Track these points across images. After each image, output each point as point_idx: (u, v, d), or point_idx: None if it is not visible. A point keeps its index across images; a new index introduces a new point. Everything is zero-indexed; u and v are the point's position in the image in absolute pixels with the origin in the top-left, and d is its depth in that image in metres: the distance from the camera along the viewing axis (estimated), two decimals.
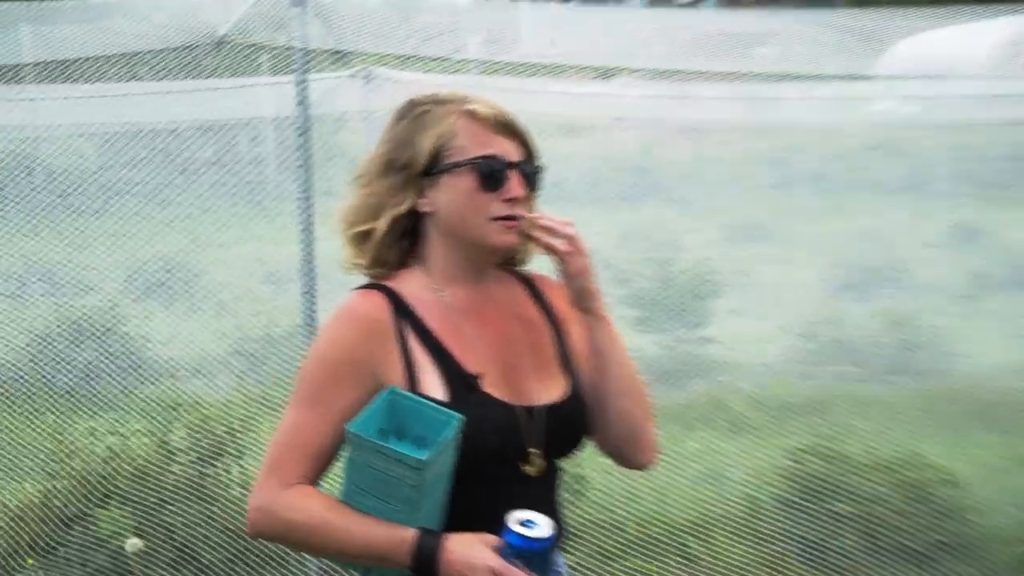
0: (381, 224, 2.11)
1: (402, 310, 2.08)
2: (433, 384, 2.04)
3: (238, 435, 5.54)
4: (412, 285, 2.13)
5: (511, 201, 2.08)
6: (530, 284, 2.24)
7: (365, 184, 2.14)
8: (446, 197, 2.10)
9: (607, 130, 7.31)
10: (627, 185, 7.24)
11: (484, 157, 2.07)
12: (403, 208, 2.11)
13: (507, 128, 2.11)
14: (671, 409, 6.51)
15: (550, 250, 2.08)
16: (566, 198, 6.76)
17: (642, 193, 7.26)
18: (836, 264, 7.10)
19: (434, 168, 2.10)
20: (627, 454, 2.19)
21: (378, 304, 2.08)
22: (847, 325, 6.85)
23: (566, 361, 2.16)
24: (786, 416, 6.45)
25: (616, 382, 2.12)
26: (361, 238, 2.14)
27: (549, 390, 2.11)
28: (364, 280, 2.22)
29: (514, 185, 2.09)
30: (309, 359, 2.06)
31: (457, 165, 2.08)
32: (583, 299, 2.12)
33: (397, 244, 2.14)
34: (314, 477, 2.06)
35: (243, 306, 6.16)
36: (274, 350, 5.86)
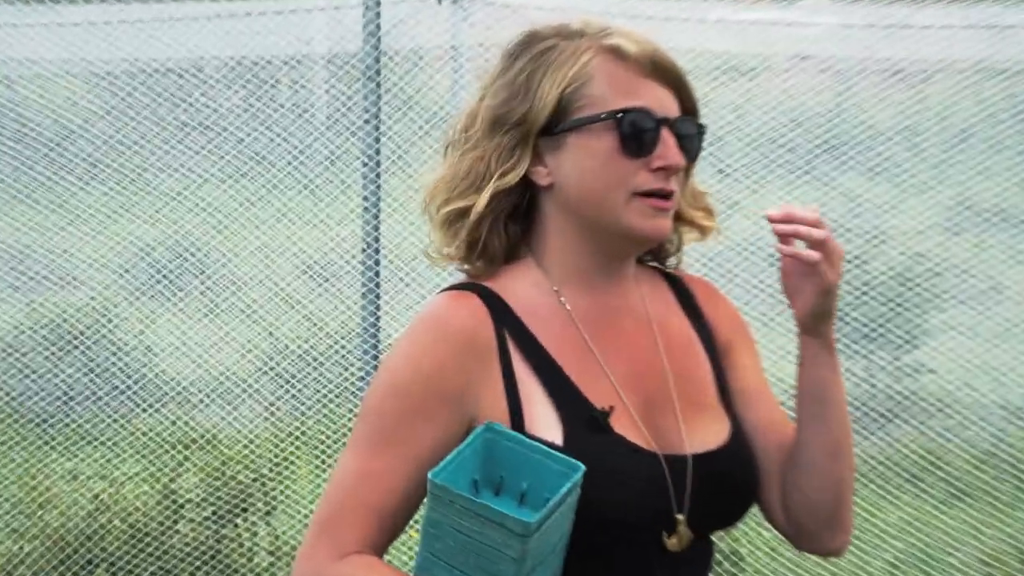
0: (482, 200, 2.14)
1: (507, 320, 2.13)
2: (546, 421, 2.09)
3: (268, 484, 5.64)
4: (522, 286, 2.17)
5: (663, 171, 2.12)
6: (682, 290, 2.28)
7: (463, 147, 2.18)
8: (573, 163, 2.14)
9: (784, 73, 7.20)
10: (810, 150, 7.13)
11: (630, 110, 2.10)
12: (513, 179, 2.14)
13: (663, 72, 2.14)
14: (865, 465, 6.49)
15: (793, 259, 2.11)
16: (724, 167, 6.63)
17: (831, 161, 7.15)
18: None
19: (559, 125, 2.13)
20: (816, 534, 2.23)
21: (475, 312, 2.13)
22: None
23: (727, 397, 2.19)
24: None
25: (832, 438, 2.15)
26: (454, 219, 2.17)
27: (703, 435, 2.15)
28: (456, 277, 2.29)
29: (669, 149, 2.12)
30: (378, 384, 2.12)
31: (591, 120, 2.11)
32: (818, 321, 2.15)
33: (503, 229, 2.18)
34: (380, 543, 2.13)
35: (278, 309, 6.18)
36: (320, 370, 5.90)
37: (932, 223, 7.11)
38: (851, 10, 6.33)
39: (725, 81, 6.68)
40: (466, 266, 2.20)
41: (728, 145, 6.57)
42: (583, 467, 1.99)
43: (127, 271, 6.27)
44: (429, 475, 1.99)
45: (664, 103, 2.13)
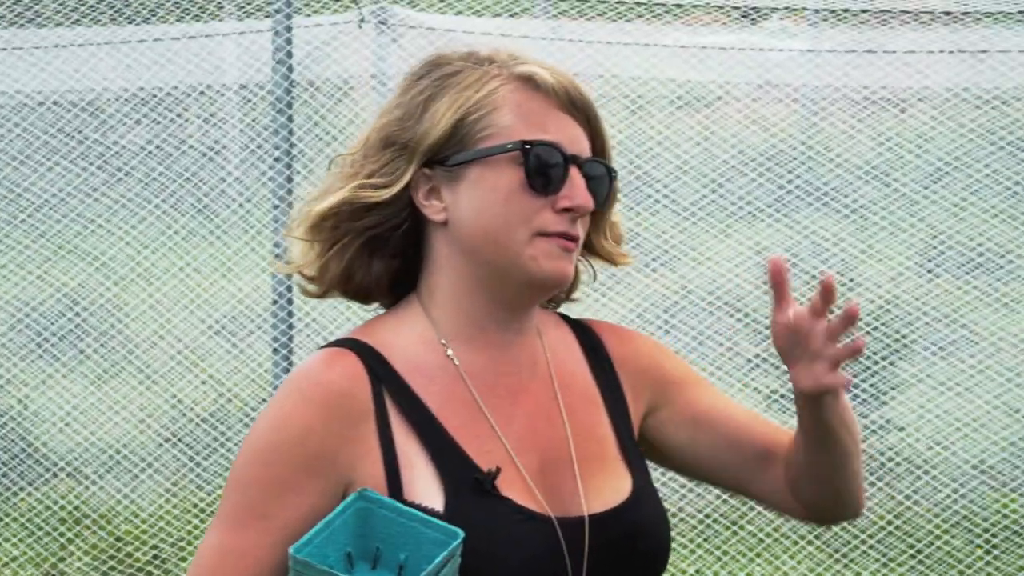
0: (330, 200, 2.08)
1: (385, 378, 2.08)
2: (426, 486, 2.04)
3: (169, 564, 5.35)
4: (405, 340, 2.12)
5: (569, 212, 2.07)
6: (591, 339, 2.24)
7: (343, 166, 2.14)
8: (471, 198, 2.08)
9: (748, 101, 6.70)
10: (775, 187, 6.83)
11: (539, 143, 2.05)
12: (381, 196, 2.08)
13: (577, 107, 2.10)
14: (831, 534, 6.35)
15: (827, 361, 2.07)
16: (679, 204, 6.33)
17: (798, 199, 6.83)
18: None
19: (458, 154, 2.08)
20: (831, 510, 2.26)
21: (349, 370, 2.08)
22: None
23: (628, 451, 2.17)
24: (1017, 550, 6.23)
25: (840, 453, 2.17)
26: (305, 219, 2.12)
27: (602, 494, 2.11)
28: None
29: (578, 190, 2.07)
30: (243, 452, 2.08)
31: (495, 151, 2.06)
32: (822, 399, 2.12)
33: (361, 258, 2.12)
34: None
35: (180, 372, 5.53)
36: (229, 436, 5.58)
37: (908, 267, 6.66)
38: (819, 34, 5.82)
39: (678, 111, 6.16)
40: (308, 284, 2.14)
41: (685, 182, 6.06)
42: (461, 533, 1.96)
43: (12, 329, 6.02)
44: (290, 550, 1.94)
45: (576, 141, 2.10)
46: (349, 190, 2.08)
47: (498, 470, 2.04)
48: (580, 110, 2.09)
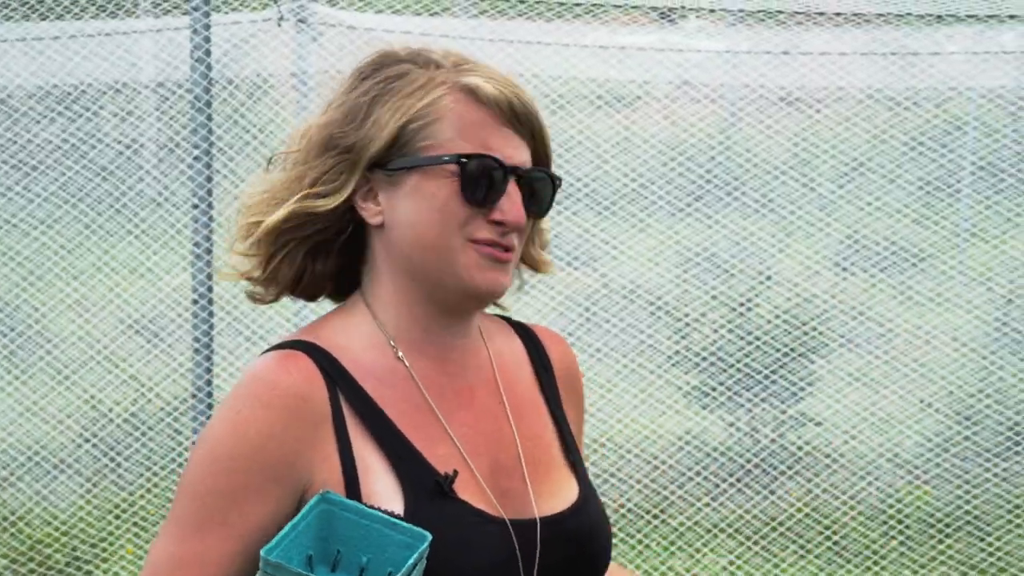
0: (278, 213, 2.06)
1: (341, 381, 2.05)
2: (386, 490, 2.02)
3: (87, 566, 5.20)
4: (356, 342, 2.10)
5: (500, 226, 2.07)
6: (534, 344, 2.26)
7: (285, 164, 2.10)
8: (408, 205, 2.07)
9: (666, 101, 6.66)
10: (693, 186, 6.86)
11: (477, 156, 2.04)
12: (327, 204, 2.06)
13: (520, 120, 2.08)
14: (748, 524, 6.30)
15: None
16: (600, 204, 6.27)
17: (716, 198, 6.87)
18: (1016, 311, 6.71)
19: (397, 160, 2.06)
20: None
21: (305, 373, 2.04)
22: None
23: (572, 455, 2.19)
24: (930, 541, 6.21)
25: None
26: (251, 232, 2.10)
27: (552, 498, 2.13)
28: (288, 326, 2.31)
29: (512, 205, 2.07)
30: (197, 458, 2.04)
31: (433, 161, 2.05)
32: None
33: (308, 261, 2.10)
34: None
35: (99, 371, 5.41)
36: (146, 438, 5.45)
37: (823, 263, 6.66)
38: (737, 35, 5.77)
39: (599, 111, 6.11)
40: (257, 288, 2.12)
41: (605, 181, 6.01)
42: (429, 536, 1.95)
43: None
44: (262, 552, 1.91)
45: (516, 153, 2.08)
46: (296, 203, 2.04)
47: (455, 473, 2.03)
48: (523, 123, 2.07)
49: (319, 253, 2.09)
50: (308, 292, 2.13)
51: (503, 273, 2.06)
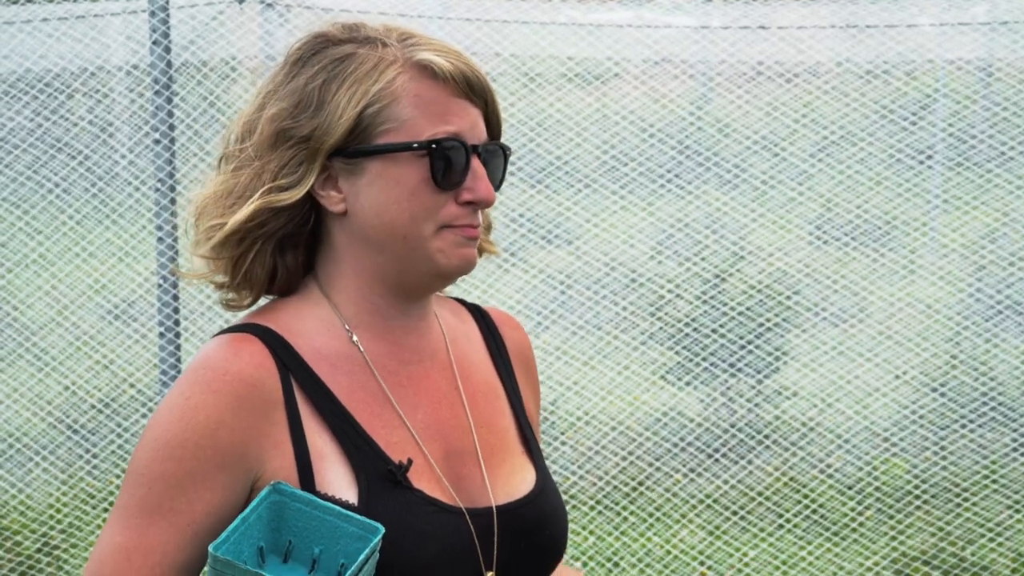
0: (243, 212, 1.99)
1: (293, 366, 2.00)
2: (338, 479, 1.97)
3: (61, 552, 5.14)
4: (309, 326, 2.04)
5: (472, 205, 2.03)
6: (489, 327, 2.21)
7: (238, 160, 2.03)
8: (374, 192, 2.01)
9: (640, 78, 6.53)
10: (668, 160, 6.78)
11: (443, 139, 2.00)
12: (290, 197, 2.00)
13: (474, 91, 2.04)
14: (725, 497, 6.29)
15: None
16: (576, 178, 6.18)
17: (690, 171, 6.79)
18: (988, 278, 6.66)
19: (358, 147, 2.00)
20: None
21: (257, 358, 1.99)
22: (1002, 372, 6.48)
23: (529, 441, 2.15)
24: (905, 511, 6.21)
25: None
26: (214, 234, 2.03)
27: (508, 486, 2.10)
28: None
29: (480, 182, 2.04)
30: (145, 444, 1.98)
31: (400, 148, 1.99)
32: None
33: (274, 253, 2.04)
34: None
35: (72, 356, 5.39)
36: (119, 422, 5.34)
37: (799, 236, 6.61)
38: (709, 10, 5.65)
39: (573, 88, 5.99)
40: (230, 294, 2.06)
41: (582, 156, 5.90)
42: (382, 528, 1.91)
43: None
44: (210, 548, 1.87)
45: (475, 127, 2.04)
46: (259, 199, 1.98)
47: (410, 462, 1.98)
48: (478, 94, 2.02)
49: (287, 247, 2.03)
50: (283, 287, 2.06)
51: (472, 248, 2.02)
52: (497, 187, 2.06)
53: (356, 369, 2.02)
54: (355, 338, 2.02)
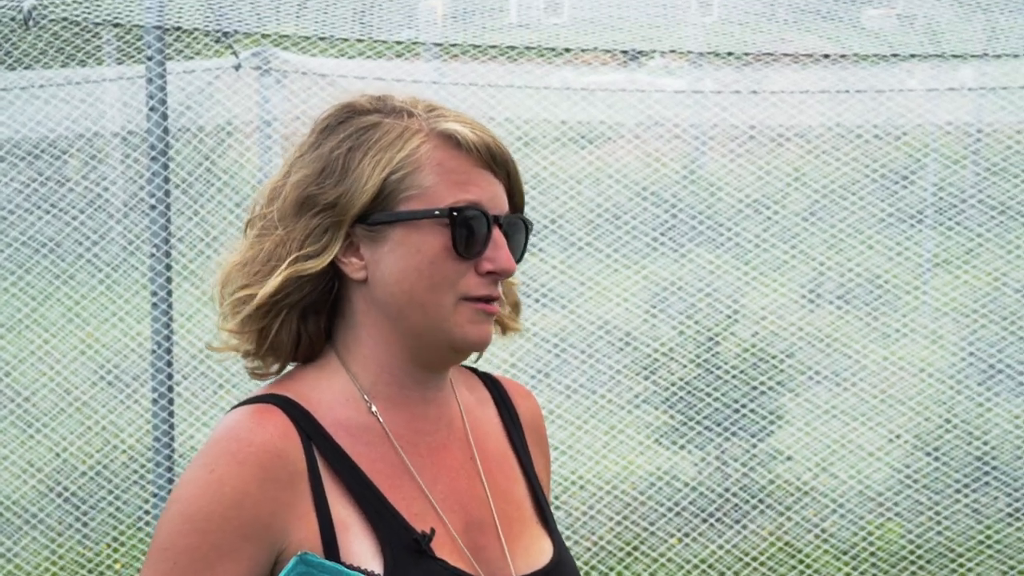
0: (272, 283, 1.99)
1: (316, 437, 1.99)
2: (363, 550, 1.96)
3: None
4: (329, 396, 2.04)
5: (492, 275, 2.03)
6: (502, 397, 2.21)
7: (263, 227, 2.03)
8: (395, 259, 2.01)
9: (634, 140, 6.55)
10: (660, 222, 6.79)
11: (465, 207, 2.00)
12: (316, 265, 2.00)
13: (497, 164, 2.05)
14: (720, 562, 6.18)
15: None
16: (569, 241, 6.15)
17: (683, 234, 6.77)
18: (982, 340, 6.61)
19: (381, 214, 2.00)
20: None
21: (280, 429, 1.98)
22: (996, 436, 6.40)
23: (544, 513, 2.15)
24: (901, 574, 6.12)
25: None
26: (242, 307, 2.02)
27: (527, 556, 2.09)
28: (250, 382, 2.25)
29: (501, 252, 2.03)
30: (170, 517, 1.96)
31: (423, 215, 1.99)
32: None
33: (300, 321, 2.02)
34: None
35: (63, 422, 5.32)
36: (112, 490, 5.28)
37: (792, 299, 6.57)
38: (701, 75, 5.66)
39: (566, 150, 5.99)
40: (256, 362, 2.05)
41: (575, 220, 5.88)
42: None
43: None
44: None
45: (496, 198, 2.04)
46: (287, 269, 1.98)
47: (433, 532, 1.97)
48: (500, 165, 2.03)
49: (309, 314, 2.01)
50: (306, 354, 2.05)
51: (490, 324, 2.02)
52: (518, 259, 2.05)
53: (376, 440, 2.01)
54: (374, 408, 2.02)
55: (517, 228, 2.05)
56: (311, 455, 1.96)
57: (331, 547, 1.94)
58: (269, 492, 1.92)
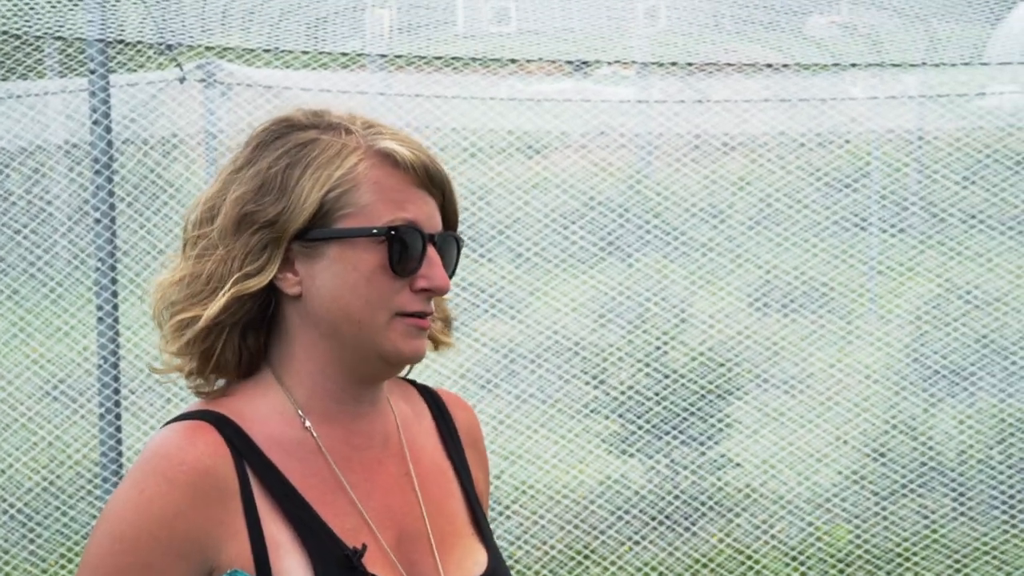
0: (216, 305, 1.99)
1: (248, 453, 1.99)
2: (294, 566, 1.95)
3: None
4: (263, 411, 2.04)
5: (426, 292, 2.04)
6: (440, 408, 2.21)
7: (202, 246, 2.02)
8: (330, 276, 2.01)
9: (580, 149, 6.52)
10: (608, 231, 6.79)
11: (401, 226, 2.01)
12: (257, 283, 2.00)
13: (433, 182, 2.06)
14: (670, 568, 6.16)
15: None
16: (518, 250, 6.15)
17: (632, 242, 6.80)
18: (926, 344, 6.64)
19: (317, 231, 2.00)
20: None
21: (212, 446, 1.97)
22: (940, 438, 6.42)
23: (480, 523, 2.15)
24: (848, 575, 6.13)
25: None
26: (187, 327, 2.01)
27: (461, 567, 2.09)
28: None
29: (435, 270, 2.04)
30: (99, 536, 1.95)
31: (360, 233, 2.00)
32: None
33: (241, 339, 2.02)
34: None
35: (7, 438, 5.29)
36: (60, 505, 5.22)
37: (740, 305, 6.60)
38: (647, 84, 5.68)
39: (515, 159, 5.98)
40: (198, 381, 2.04)
41: (522, 228, 5.87)
42: None
43: None
44: None
45: (432, 217, 2.06)
46: (231, 288, 1.97)
47: (365, 547, 1.97)
48: (437, 185, 2.04)
49: (248, 330, 2.01)
50: (246, 370, 2.05)
51: (423, 339, 2.03)
52: (450, 275, 2.06)
53: (310, 456, 2.01)
54: (308, 424, 2.01)
55: (450, 245, 2.07)
56: (243, 472, 1.96)
57: (263, 565, 1.93)
58: (200, 510, 1.92)
